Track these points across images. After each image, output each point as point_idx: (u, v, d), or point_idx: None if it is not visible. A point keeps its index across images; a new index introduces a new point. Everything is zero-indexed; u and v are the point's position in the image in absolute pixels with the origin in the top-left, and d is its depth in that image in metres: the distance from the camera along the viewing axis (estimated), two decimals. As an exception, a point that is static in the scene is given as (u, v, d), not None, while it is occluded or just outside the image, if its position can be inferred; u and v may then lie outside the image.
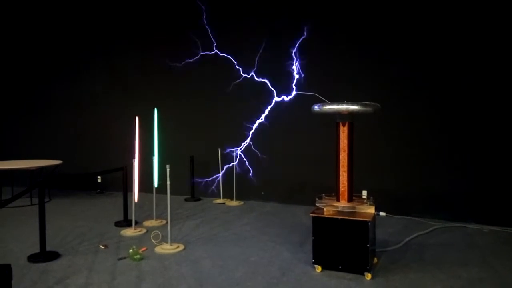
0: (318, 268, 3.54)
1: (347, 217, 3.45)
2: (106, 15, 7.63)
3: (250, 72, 6.31)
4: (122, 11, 7.49)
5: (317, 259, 3.55)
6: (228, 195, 6.62)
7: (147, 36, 7.33)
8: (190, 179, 6.77)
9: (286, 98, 5.79)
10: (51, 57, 8.17)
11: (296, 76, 5.31)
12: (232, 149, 6.47)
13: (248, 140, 6.43)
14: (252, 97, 6.34)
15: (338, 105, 3.50)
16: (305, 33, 6.05)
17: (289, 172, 6.31)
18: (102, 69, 7.78)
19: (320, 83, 5.70)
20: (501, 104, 4.98)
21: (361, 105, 3.50)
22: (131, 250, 3.94)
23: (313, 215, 3.57)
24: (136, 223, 5.07)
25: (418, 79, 5.42)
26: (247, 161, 6.52)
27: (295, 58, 5.98)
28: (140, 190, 5.15)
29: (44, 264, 3.81)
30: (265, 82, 6.16)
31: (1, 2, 8.35)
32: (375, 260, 3.72)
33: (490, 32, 4.98)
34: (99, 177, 7.61)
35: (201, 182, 6.83)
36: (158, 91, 7.24)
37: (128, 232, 4.82)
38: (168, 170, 4.21)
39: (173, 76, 7.12)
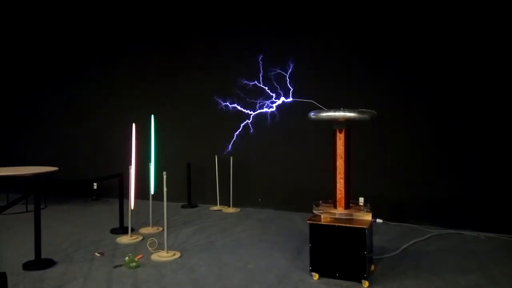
0: (315, 276, 3.52)
1: (344, 224, 3.45)
2: (103, 23, 7.65)
3: (249, 78, 6.31)
4: (120, 19, 7.52)
5: (314, 267, 3.54)
6: (225, 202, 6.61)
7: (144, 44, 7.36)
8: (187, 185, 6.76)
9: (283, 105, 5.80)
10: (47, 64, 8.18)
11: (293, 83, 5.32)
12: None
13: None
14: (249, 103, 6.34)
15: (334, 112, 3.51)
16: (302, 39, 6.09)
17: (286, 179, 6.31)
18: (99, 76, 7.79)
19: (317, 90, 5.73)
20: (498, 113, 5.02)
21: (358, 112, 3.51)
22: (127, 258, 3.91)
23: (310, 222, 3.56)
24: (132, 230, 5.05)
25: (414, 86, 5.45)
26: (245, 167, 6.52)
27: (292, 64, 6.01)
28: (136, 197, 5.14)
29: (39, 272, 3.77)
30: (262, 88, 6.17)
31: (1, 11, 8.37)
32: (373, 267, 3.71)
33: (487, 38, 5.02)
34: (95, 184, 7.58)
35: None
36: (154, 98, 7.24)
37: (124, 239, 4.79)
38: (164, 177, 4.19)
39: (169, 83, 7.15)
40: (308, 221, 3.59)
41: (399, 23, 5.48)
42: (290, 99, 4.71)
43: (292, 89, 4.83)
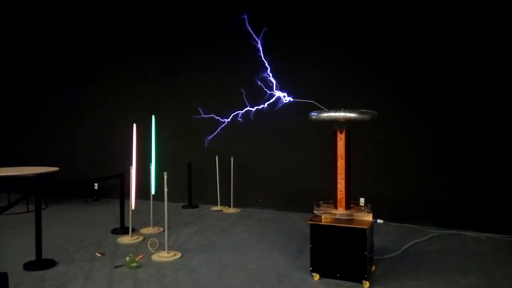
0: (316, 276, 3.53)
1: (345, 225, 3.45)
2: (103, 23, 7.65)
3: (249, 78, 6.31)
4: (120, 19, 7.52)
5: (315, 267, 3.54)
6: (225, 202, 6.61)
7: (144, 44, 7.36)
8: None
9: (283, 105, 5.80)
10: (47, 64, 8.18)
11: (293, 83, 5.34)
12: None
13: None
14: (249, 103, 6.34)
15: (335, 112, 3.52)
16: (302, 39, 6.09)
17: (286, 179, 6.31)
18: (99, 76, 7.79)
19: (317, 90, 5.73)
20: (498, 113, 5.02)
21: (358, 112, 3.51)
22: (128, 258, 3.91)
23: (311, 222, 3.57)
24: (133, 230, 5.05)
25: (414, 86, 5.46)
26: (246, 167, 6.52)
27: (292, 64, 6.01)
28: (137, 197, 5.14)
29: (40, 272, 3.78)
30: (262, 88, 6.17)
31: (1, 11, 8.37)
32: (373, 267, 3.71)
33: (487, 38, 5.02)
34: (96, 184, 7.58)
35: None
36: (154, 98, 7.24)
37: (125, 239, 4.79)
38: (165, 177, 4.20)
39: (169, 83, 7.15)
40: (308, 222, 3.59)
41: (399, 23, 5.48)
42: (290, 99, 4.72)
43: (292, 89, 4.83)
